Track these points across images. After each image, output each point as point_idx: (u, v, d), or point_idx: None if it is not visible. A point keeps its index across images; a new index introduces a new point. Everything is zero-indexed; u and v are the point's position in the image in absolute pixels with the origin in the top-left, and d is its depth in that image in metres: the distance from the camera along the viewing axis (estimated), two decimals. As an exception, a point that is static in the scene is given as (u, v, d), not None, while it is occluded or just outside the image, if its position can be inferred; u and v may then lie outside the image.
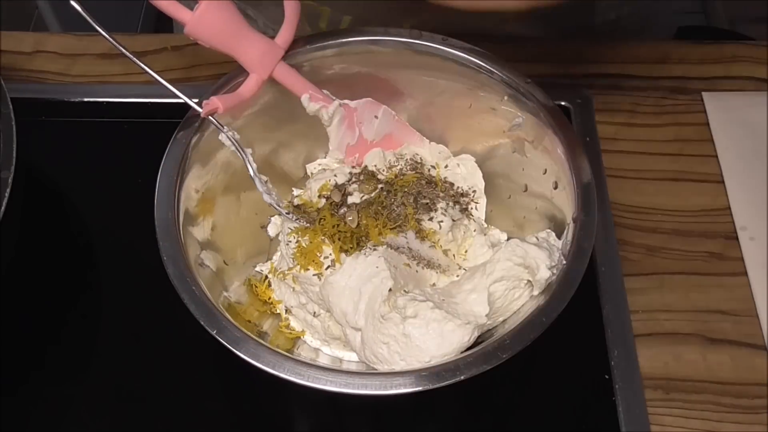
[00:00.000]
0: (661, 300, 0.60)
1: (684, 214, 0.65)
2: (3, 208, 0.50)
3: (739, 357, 0.58)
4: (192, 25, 0.49)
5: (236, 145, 0.52)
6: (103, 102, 0.70)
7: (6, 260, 0.57)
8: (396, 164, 0.59)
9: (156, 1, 0.48)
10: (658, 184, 0.66)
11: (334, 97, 0.55)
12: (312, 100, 0.54)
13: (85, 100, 0.70)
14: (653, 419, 0.55)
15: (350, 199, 0.55)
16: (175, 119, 0.53)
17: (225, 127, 0.52)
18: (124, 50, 0.49)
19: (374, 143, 0.59)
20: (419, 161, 0.59)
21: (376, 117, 0.58)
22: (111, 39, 0.49)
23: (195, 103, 0.51)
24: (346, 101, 0.56)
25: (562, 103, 0.68)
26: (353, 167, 0.59)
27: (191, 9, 0.49)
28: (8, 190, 0.51)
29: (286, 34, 0.53)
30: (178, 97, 0.51)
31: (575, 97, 0.69)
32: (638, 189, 0.66)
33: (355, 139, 0.58)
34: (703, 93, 0.71)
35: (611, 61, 0.73)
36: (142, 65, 0.50)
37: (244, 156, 0.53)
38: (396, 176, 0.57)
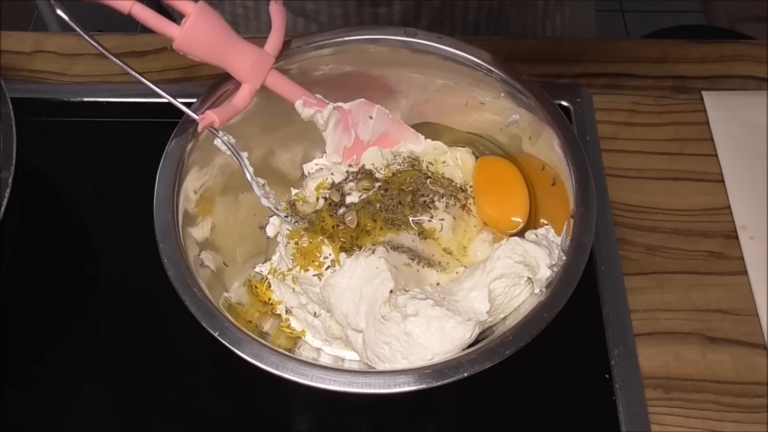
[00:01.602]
0: (661, 299, 0.60)
1: (684, 214, 0.65)
2: (3, 208, 0.50)
3: (739, 356, 0.58)
4: (180, 40, 0.48)
5: (232, 149, 0.52)
6: (103, 102, 0.70)
7: (6, 260, 0.57)
8: (393, 162, 0.59)
9: (142, 18, 0.48)
10: (658, 184, 0.66)
11: (327, 101, 0.55)
12: (306, 106, 0.54)
13: (85, 100, 0.70)
14: (653, 419, 0.55)
15: (348, 199, 0.55)
16: (175, 119, 0.53)
17: (220, 131, 0.52)
18: (114, 58, 0.49)
19: (371, 143, 0.59)
20: (416, 158, 0.59)
21: (370, 117, 0.58)
22: (109, 54, 0.49)
23: (186, 106, 0.51)
24: (339, 104, 0.56)
25: (563, 103, 0.68)
26: (350, 165, 0.59)
27: (178, 23, 0.49)
28: (8, 190, 0.51)
29: (275, 41, 0.53)
30: (173, 103, 0.51)
31: (575, 97, 0.69)
32: (638, 188, 0.66)
33: (351, 141, 0.58)
34: (703, 92, 0.71)
35: (611, 60, 0.73)
36: (140, 76, 0.50)
37: (240, 160, 0.53)
38: (393, 174, 0.57)
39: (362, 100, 0.57)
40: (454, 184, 0.58)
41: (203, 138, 0.53)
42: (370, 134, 0.58)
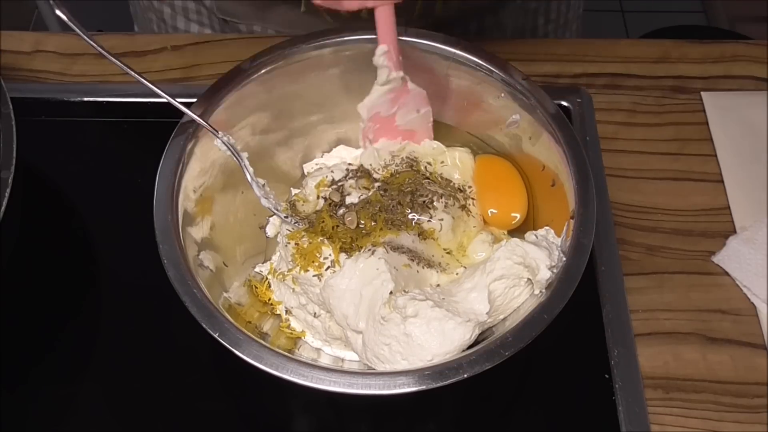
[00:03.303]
0: (661, 299, 0.60)
1: (684, 214, 0.65)
2: (3, 207, 0.50)
3: (738, 356, 0.58)
4: None
5: (232, 150, 0.52)
6: (103, 102, 0.70)
7: (6, 259, 0.57)
8: (391, 162, 0.59)
9: None
10: (658, 184, 0.66)
11: (401, 69, 0.54)
12: (386, 56, 0.53)
13: (85, 99, 0.70)
14: (653, 419, 0.55)
15: (348, 200, 0.55)
16: (175, 119, 0.53)
17: (220, 132, 0.52)
18: (114, 59, 0.50)
19: (398, 130, 0.58)
20: (414, 159, 0.59)
21: (418, 111, 0.57)
22: (109, 54, 0.49)
23: (185, 106, 0.51)
24: (408, 78, 0.55)
25: (563, 103, 0.68)
26: (350, 164, 0.59)
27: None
28: (8, 190, 0.51)
29: None
30: (173, 103, 0.51)
31: (575, 97, 0.69)
32: (638, 188, 0.66)
33: (389, 112, 0.57)
34: (703, 92, 0.71)
35: (611, 60, 0.73)
36: (139, 76, 0.50)
37: (240, 161, 0.53)
38: (391, 175, 0.57)
39: (424, 92, 0.57)
40: (452, 184, 0.58)
41: (203, 138, 0.53)
42: (405, 123, 0.58)
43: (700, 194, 0.66)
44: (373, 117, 0.57)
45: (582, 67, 0.73)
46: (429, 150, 0.60)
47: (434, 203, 0.55)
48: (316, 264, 0.52)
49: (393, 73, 0.54)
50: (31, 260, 0.61)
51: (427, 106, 0.58)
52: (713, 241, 0.63)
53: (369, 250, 0.51)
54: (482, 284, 0.49)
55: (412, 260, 0.52)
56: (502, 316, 0.51)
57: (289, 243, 0.54)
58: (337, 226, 0.53)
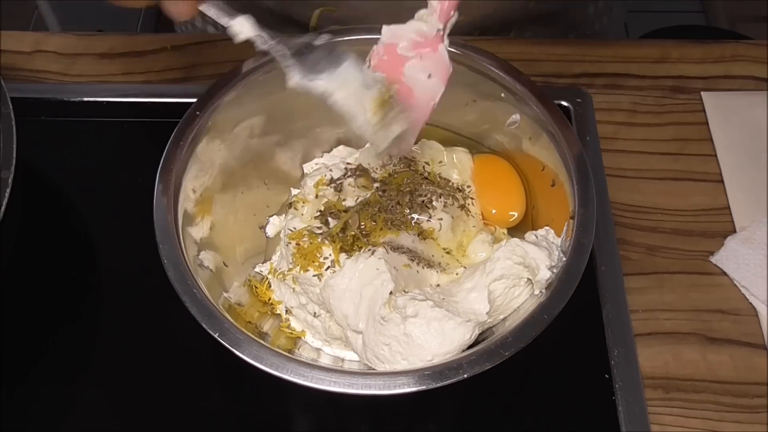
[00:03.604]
0: (661, 299, 0.60)
1: (684, 214, 0.65)
2: (3, 208, 0.50)
3: (738, 356, 0.58)
4: None
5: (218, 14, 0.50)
6: (102, 102, 0.70)
7: (6, 259, 0.57)
8: (389, 162, 0.59)
9: None
10: (658, 184, 0.66)
11: (444, 24, 0.51)
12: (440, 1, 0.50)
13: (85, 99, 0.70)
14: (653, 419, 0.55)
15: (346, 203, 0.55)
16: (175, 119, 0.53)
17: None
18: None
19: (400, 76, 0.53)
20: (412, 159, 0.59)
21: (429, 76, 0.53)
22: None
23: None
24: (446, 41, 0.52)
25: (563, 103, 0.68)
26: (348, 163, 0.59)
27: None
28: (8, 189, 0.51)
29: None
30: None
31: (575, 97, 0.69)
32: (638, 188, 0.66)
33: (405, 52, 0.52)
34: (702, 92, 0.71)
35: (611, 60, 0.73)
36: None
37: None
38: (390, 175, 0.57)
39: (451, 67, 0.53)
40: (451, 184, 0.58)
41: (203, 138, 0.53)
42: (411, 76, 0.53)
43: (700, 194, 0.66)
44: (389, 46, 0.53)
45: (582, 67, 0.73)
46: (427, 150, 0.60)
47: (433, 203, 0.55)
48: (317, 264, 0.52)
49: (434, 18, 0.51)
50: (31, 260, 0.61)
51: (442, 81, 0.53)
52: (713, 241, 0.63)
53: (369, 250, 0.51)
54: (482, 284, 0.49)
55: (412, 260, 0.52)
56: (502, 316, 0.51)
57: (290, 243, 0.54)
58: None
